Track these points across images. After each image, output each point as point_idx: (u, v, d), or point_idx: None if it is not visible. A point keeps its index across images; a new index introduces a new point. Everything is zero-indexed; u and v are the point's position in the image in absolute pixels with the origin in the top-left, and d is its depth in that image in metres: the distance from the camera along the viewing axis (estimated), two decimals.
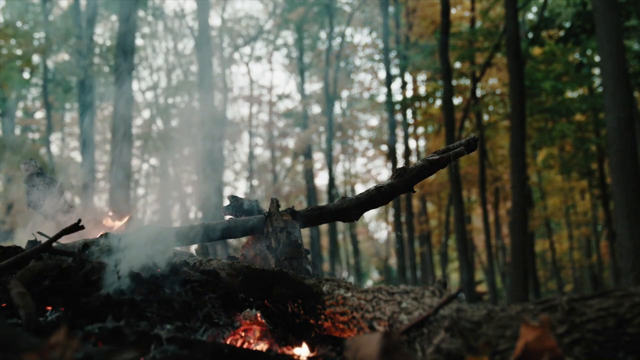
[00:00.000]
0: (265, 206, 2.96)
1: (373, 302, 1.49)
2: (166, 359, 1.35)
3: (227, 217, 2.84)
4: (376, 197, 2.62)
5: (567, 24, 14.03)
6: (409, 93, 22.44)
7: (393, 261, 30.43)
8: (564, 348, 1.09)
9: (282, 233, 2.39)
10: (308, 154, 26.35)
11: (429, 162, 2.60)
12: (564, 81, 17.92)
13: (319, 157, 28.61)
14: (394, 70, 20.97)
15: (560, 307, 1.14)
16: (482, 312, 1.22)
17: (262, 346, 1.74)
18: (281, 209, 2.58)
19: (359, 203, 2.63)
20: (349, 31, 24.74)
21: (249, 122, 28.75)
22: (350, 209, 2.62)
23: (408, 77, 22.41)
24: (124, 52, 11.45)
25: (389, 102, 19.19)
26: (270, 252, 2.40)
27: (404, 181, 2.61)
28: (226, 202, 2.85)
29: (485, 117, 22.26)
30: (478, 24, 19.79)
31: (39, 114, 22.63)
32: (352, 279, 28.28)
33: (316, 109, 27.02)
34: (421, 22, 20.96)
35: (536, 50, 17.53)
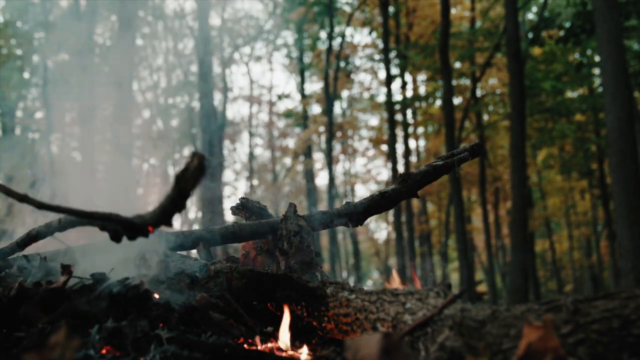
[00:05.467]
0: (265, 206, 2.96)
1: (377, 304, 1.49)
2: (166, 359, 1.34)
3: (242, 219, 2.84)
4: (380, 202, 2.62)
5: (567, 24, 14.03)
6: (409, 93, 22.45)
7: (393, 261, 30.44)
8: (568, 348, 1.08)
9: (295, 237, 2.39)
10: (308, 154, 26.35)
11: (433, 168, 2.60)
12: (564, 81, 17.93)
13: (319, 157, 28.63)
14: (394, 70, 20.96)
15: (565, 308, 1.13)
16: (487, 312, 1.22)
17: (263, 347, 1.73)
18: (282, 210, 2.58)
19: (362, 208, 2.62)
20: (349, 31, 24.74)
21: (249, 122, 28.78)
22: (354, 214, 2.62)
23: (408, 77, 22.42)
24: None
25: (389, 102, 19.17)
26: (282, 254, 2.39)
27: (408, 186, 2.60)
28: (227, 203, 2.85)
29: (485, 117, 22.28)
30: (478, 24, 19.79)
31: (39, 114, 22.62)
32: (352, 280, 28.29)
33: (316, 109, 27.04)
34: (421, 22, 20.97)
35: (536, 50, 17.53)
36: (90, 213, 1.18)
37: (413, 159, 24.24)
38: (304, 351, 1.68)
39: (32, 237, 2.13)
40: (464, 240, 14.65)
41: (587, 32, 12.13)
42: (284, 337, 1.67)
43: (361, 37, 35.04)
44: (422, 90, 23.62)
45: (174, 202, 1.14)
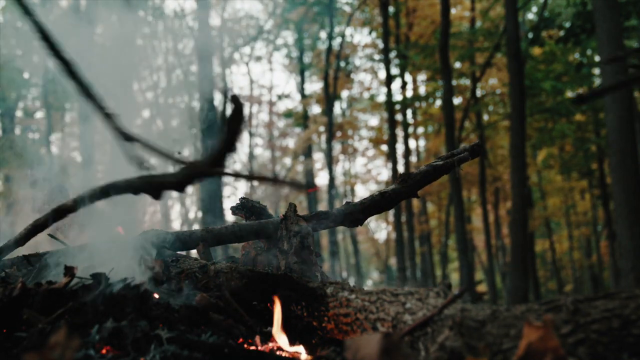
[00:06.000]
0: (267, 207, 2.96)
1: (377, 304, 1.49)
2: (166, 359, 1.34)
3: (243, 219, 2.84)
4: (380, 202, 2.61)
5: (567, 24, 14.03)
6: (409, 93, 22.44)
7: (393, 261, 30.45)
8: (568, 348, 1.08)
9: (295, 237, 2.39)
10: (308, 154, 26.35)
11: (433, 168, 2.60)
12: (564, 81, 17.92)
13: (319, 157, 28.64)
14: (394, 70, 20.97)
15: (565, 308, 1.13)
16: (487, 312, 1.22)
17: (263, 347, 1.73)
18: (282, 210, 2.58)
19: (362, 208, 2.62)
20: (349, 31, 24.74)
21: (249, 122, 28.78)
22: (354, 214, 2.62)
23: (408, 77, 22.41)
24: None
25: (389, 102, 19.17)
26: (282, 254, 2.39)
27: (408, 186, 2.60)
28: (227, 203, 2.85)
29: (485, 117, 22.27)
30: (478, 24, 19.79)
31: (39, 114, 22.61)
32: (352, 280, 28.29)
33: (316, 109, 27.04)
34: (421, 22, 20.97)
35: (536, 50, 17.53)
36: (161, 151, 1.25)
37: (413, 159, 24.24)
38: (303, 351, 1.68)
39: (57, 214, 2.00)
40: (464, 240, 14.65)
41: (587, 32, 12.12)
42: (279, 336, 1.67)
43: (361, 37, 35.10)
44: (422, 90, 23.62)
45: (229, 142, 1.21)
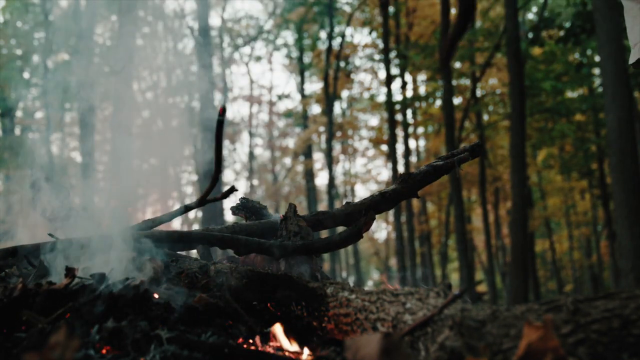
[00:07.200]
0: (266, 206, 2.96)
1: (377, 304, 1.49)
2: (166, 359, 1.34)
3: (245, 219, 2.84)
4: (380, 203, 2.61)
5: (567, 24, 14.02)
6: (409, 93, 22.43)
7: (393, 261, 30.45)
8: (568, 348, 1.08)
9: (295, 238, 2.39)
10: (308, 154, 26.36)
11: (433, 168, 2.59)
12: (564, 81, 17.92)
13: (319, 157, 28.65)
14: (394, 70, 20.96)
15: (565, 308, 1.13)
16: (487, 312, 1.22)
17: (264, 347, 1.73)
18: (282, 210, 2.58)
19: (362, 208, 2.62)
20: (349, 31, 24.76)
21: (249, 122, 28.79)
22: (354, 214, 2.62)
23: (408, 77, 22.41)
24: None
25: (389, 102, 19.16)
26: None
27: (408, 187, 2.60)
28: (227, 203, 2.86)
29: (485, 117, 22.27)
30: (478, 24, 19.80)
31: (39, 114, 22.60)
32: (352, 280, 28.30)
33: (316, 109, 27.04)
34: (421, 22, 20.96)
35: (536, 50, 17.53)
36: None
37: (413, 159, 24.24)
38: (305, 351, 1.68)
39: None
40: (464, 240, 14.65)
41: (587, 32, 12.12)
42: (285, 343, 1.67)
43: (361, 37, 35.13)
44: (422, 90, 23.62)
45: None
